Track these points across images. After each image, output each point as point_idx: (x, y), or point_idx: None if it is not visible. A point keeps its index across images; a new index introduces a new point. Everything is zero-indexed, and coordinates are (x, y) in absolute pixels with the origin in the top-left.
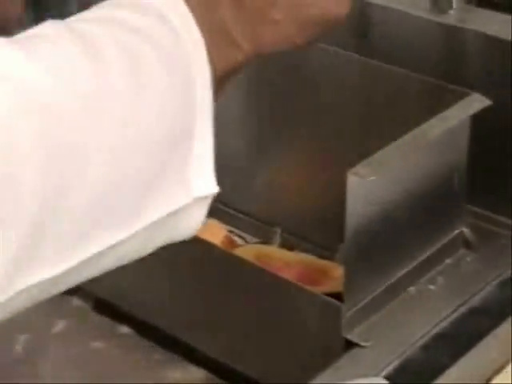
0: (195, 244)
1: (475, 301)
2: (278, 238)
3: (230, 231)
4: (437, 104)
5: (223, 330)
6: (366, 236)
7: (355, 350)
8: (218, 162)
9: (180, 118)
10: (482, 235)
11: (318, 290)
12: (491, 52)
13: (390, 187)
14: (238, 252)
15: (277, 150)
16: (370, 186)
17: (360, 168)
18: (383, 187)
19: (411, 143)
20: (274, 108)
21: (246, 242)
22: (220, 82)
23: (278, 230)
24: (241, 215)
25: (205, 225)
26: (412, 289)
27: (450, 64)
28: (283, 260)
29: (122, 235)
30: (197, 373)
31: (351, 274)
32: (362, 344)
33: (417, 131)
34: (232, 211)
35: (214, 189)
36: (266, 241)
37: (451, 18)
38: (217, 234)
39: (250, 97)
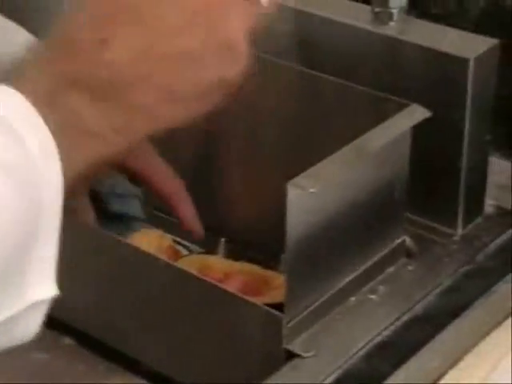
0: (138, 255)
1: (416, 309)
2: (222, 248)
3: (175, 241)
4: (377, 115)
5: (165, 341)
6: (308, 246)
7: (296, 361)
8: None
9: (23, 225)
10: (423, 244)
11: (261, 300)
12: (428, 63)
13: (331, 198)
14: (181, 262)
15: (219, 159)
16: (310, 198)
17: (300, 179)
18: (324, 198)
19: (352, 154)
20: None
21: (190, 251)
22: (87, 176)
23: (223, 240)
24: None
25: (149, 235)
26: (353, 299)
27: (389, 75)
28: (226, 270)
29: None
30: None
31: (292, 284)
32: (304, 355)
33: (358, 142)
34: (176, 220)
35: (52, 292)
36: (210, 250)
37: (392, 29)
38: (161, 243)
39: None
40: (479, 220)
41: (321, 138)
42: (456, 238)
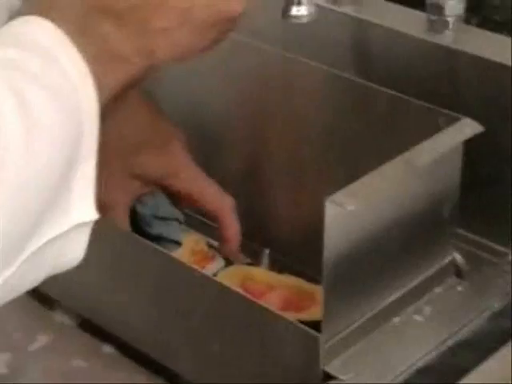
0: (176, 266)
1: (463, 333)
2: (266, 259)
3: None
4: (427, 128)
5: (203, 355)
6: (347, 264)
7: (333, 383)
8: None
9: (67, 149)
10: (476, 263)
11: (302, 316)
12: (482, 74)
13: (372, 215)
14: (225, 273)
15: (266, 170)
16: (349, 214)
17: (339, 196)
18: (364, 215)
19: (397, 169)
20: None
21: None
22: (115, 98)
23: (267, 251)
24: None
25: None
26: (396, 319)
27: (443, 86)
28: (269, 283)
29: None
30: None
31: (330, 302)
32: (341, 377)
33: (404, 156)
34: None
35: (93, 215)
36: (254, 262)
37: (446, 38)
38: (194, 247)
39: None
40: None
41: (368, 152)
42: (510, 258)
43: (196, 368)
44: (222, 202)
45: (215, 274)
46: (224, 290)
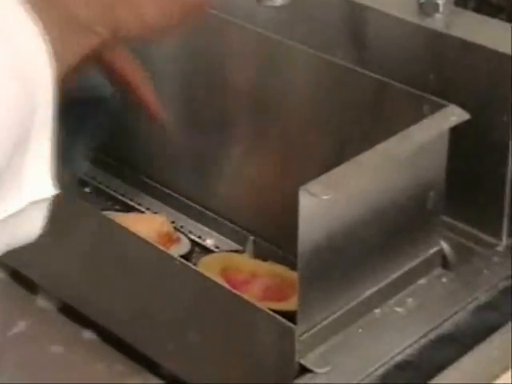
0: (154, 252)
1: (446, 327)
2: (250, 246)
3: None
4: (411, 114)
5: (181, 344)
6: (324, 255)
7: (309, 376)
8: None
9: (19, 121)
10: (464, 254)
11: (282, 306)
12: (472, 60)
13: (350, 205)
14: (206, 260)
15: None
16: (325, 204)
17: (313, 185)
18: (342, 205)
19: (377, 158)
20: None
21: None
22: (75, 69)
23: (251, 238)
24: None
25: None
26: (377, 311)
27: (432, 71)
28: (252, 271)
29: None
30: None
31: (306, 294)
32: (317, 371)
33: (384, 145)
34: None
35: (51, 191)
36: (239, 249)
37: (436, 22)
38: (160, 229)
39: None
40: None
41: (353, 137)
42: (499, 249)
43: (175, 357)
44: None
45: (187, 258)
46: (203, 279)
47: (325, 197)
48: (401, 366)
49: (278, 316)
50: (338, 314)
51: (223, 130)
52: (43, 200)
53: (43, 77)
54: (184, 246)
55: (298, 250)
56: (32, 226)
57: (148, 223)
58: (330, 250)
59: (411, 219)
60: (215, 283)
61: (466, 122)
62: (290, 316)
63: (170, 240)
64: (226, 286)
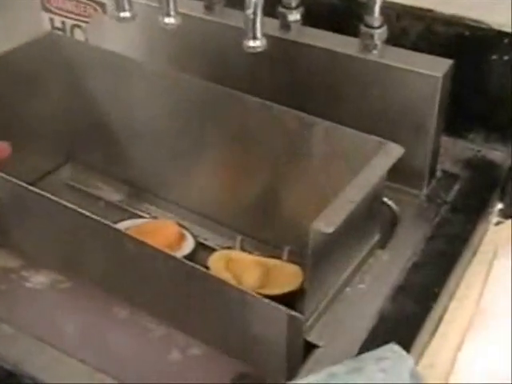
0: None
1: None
2: (238, 244)
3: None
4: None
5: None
6: (324, 266)
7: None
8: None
9: None
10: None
11: (271, 291)
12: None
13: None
14: (214, 257)
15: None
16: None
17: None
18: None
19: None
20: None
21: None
22: None
23: (239, 238)
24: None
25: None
26: (348, 289)
27: None
28: (244, 263)
29: None
30: None
31: (312, 289)
32: (320, 344)
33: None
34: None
35: None
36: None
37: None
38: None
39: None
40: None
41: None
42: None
43: None
44: None
45: (192, 255)
46: (210, 278)
47: (330, 230)
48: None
49: (288, 309)
50: (326, 299)
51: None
52: None
53: None
54: (190, 242)
55: (310, 269)
56: None
57: (165, 229)
58: (327, 261)
59: (367, 223)
60: (236, 288)
61: None
62: (282, 297)
63: (182, 237)
64: (241, 288)
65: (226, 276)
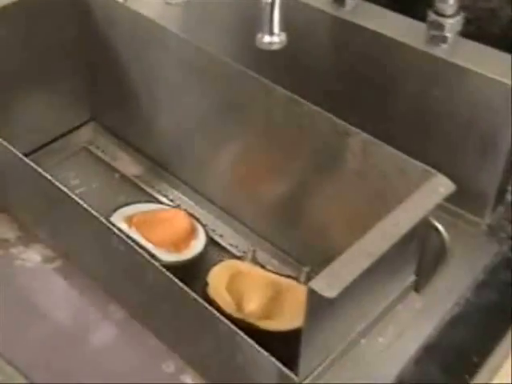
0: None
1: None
2: (250, 255)
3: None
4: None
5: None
6: (326, 323)
7: None
8: None
9: None
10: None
11: (273, 325)
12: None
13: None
14: (221, 266)
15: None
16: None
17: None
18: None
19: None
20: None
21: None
22: None
23: (252, 249)
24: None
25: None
26: (363, 341)
27: None
28: (255, 280)
29: None
30: None
31: (306, 348)
32: None
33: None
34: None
35: None
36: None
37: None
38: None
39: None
40: None
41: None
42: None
43: None
44: None
45: (204, 252)
46: (206, 310)
47: (331, 295)
48: None
49: (279, 364)
50: (332, 356)
51: None
52: None
53: None
54: (202, 238)
55: (304, 332)
56: None
57: (175, 221)
58: (333, 317)
59: (399, 263)
60: (226, 324)
61: None
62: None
63: (193, 232)
64: (232, 326)
65: (224, 297)
